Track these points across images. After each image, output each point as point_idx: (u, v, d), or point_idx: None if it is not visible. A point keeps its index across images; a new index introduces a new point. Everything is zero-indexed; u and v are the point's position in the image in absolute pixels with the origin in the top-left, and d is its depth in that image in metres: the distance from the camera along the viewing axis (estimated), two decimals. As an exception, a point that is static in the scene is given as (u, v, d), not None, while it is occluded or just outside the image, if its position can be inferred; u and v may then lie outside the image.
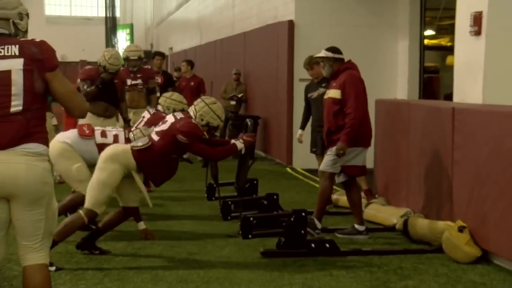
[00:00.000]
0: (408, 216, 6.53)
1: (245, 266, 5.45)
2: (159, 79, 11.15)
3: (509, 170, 5.02)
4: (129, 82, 9.66)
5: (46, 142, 3.23)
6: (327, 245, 5.71)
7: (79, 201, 5.88)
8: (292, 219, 5.76)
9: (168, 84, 11.34)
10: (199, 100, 6.23)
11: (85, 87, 8.22)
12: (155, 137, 5.78)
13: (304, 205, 7.28)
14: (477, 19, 6.36)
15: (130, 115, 9.32)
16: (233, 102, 13.10)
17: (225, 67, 15.32)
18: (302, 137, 8.56)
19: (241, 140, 6.06)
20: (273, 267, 5.36)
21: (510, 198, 5.02)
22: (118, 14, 33.79)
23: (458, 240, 5.45)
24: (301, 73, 10.01)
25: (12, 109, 3.04)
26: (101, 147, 6.01)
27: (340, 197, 7.76)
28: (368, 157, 7.18)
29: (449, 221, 5.81)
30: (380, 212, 7.22)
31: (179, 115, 6.03)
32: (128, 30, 32.60)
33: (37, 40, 3.20)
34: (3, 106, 3.04)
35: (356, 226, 6.47)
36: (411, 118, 7.41)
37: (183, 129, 5.70)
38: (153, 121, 6.57)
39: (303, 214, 5.80)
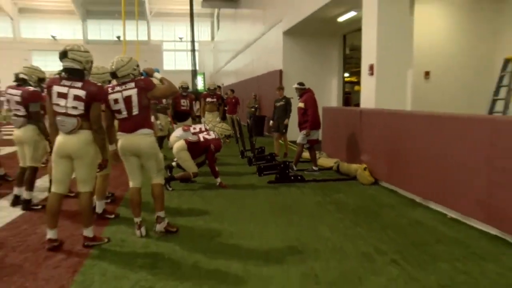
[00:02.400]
0: (338, 163, 8.05)
1: (260, 187, 6.86)
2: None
3: (389, 140, 6.63)
4: (209, 100, 10.96)
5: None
6: (299, 177, 7.29)
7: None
8: (282, 165, 7.30)
9: (221, 100, 12.24)
10: (217, 128, 7.27)
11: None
12: (201, 139, 6.84)
13: (289, 158, 8.77)
14: (371, 67, 7.67)
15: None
16: (253, 109, 15.48)
17: (249, 92, 17.77)
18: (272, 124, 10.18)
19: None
20: (273, 188, 6.77)
21: (387, 152, 6.62)
22: (197, 67, 36.48)
23: (363, 173, 7.10)
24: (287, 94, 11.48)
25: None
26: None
27: (321, 159, 8.71)
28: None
29: (359, 164, 7.38)
30: (324, 161, 8.64)
31: (215, 135, 7.00)
32: (203, 76, 38.62)
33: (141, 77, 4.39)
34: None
35: (313, 167, 8.09)
36: (340, 116, 8.79)
37: (215, 144, 6.82)
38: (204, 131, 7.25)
39: (287, 163, 7.35)
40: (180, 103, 9.72)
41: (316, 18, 11.00)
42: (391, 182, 6.66)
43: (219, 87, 15.57)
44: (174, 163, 7.42)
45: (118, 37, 40.25)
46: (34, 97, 5.51)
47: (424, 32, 9.11)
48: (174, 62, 43.71)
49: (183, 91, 9.88)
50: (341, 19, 10.91)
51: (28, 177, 5.56)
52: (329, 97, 13.60)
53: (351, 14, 10.32)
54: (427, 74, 9.43)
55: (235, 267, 3.69)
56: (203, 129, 7.38)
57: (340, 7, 9.87)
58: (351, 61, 14.29)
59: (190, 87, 15.00)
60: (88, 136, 4.01)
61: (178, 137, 7.43)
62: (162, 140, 9.58)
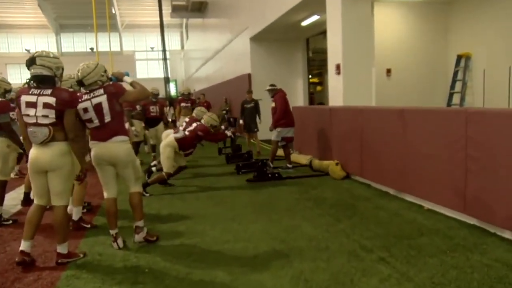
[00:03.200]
0: (311, 159, 7.68)
1: (239, 187, 6.41)
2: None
3: (359, 135, 6.28)
4: (183, 104, 10.43)
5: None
6: (277, 175, 6.89)
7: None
8: (260, 164, 6.92)
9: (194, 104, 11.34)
10: (205, 116, 6.84)
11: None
12: (187, 133, 6.47)
13: (264, 156, 8.34)
14: (338, 66, 7.39)
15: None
16: (224, 112, 14.21)
17: (220, 96, 16.77)
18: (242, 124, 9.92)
19: (229, 131, 6.98)
20: (252, 187, 6.35)
21: (358, 147, 6.29)
22: (169, 74, 36.07)
23: (335, 169, 6.75)
24: (255, 96, 11.26)
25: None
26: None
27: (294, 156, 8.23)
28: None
29: (331, 160, 7.05)
30: (298, 157, 8.29)
31: (199, 123, 6.67)
32: (175, 82, 36.98)
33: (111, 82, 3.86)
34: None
35: (288, 165, 7.68)
36: (310, 114, 8.43)
37: (201, 129, 6.48)
38: (190, 122, 6.91)
39: (264, 161, 6.95)
40: (150, 109, 9.20)
41: (281, 24, 10.64)
42: (363, 176, 6.32)
43: (203, 94, 15.23)
44: (153, 168, 6.91)
45: (92, 49, 38.81)
46: (1, 108, 4.84)
47: (383, 32, 8.90)
48: (147, 71, 42.49)
49: (153, 97, 9.32)
50: (304, 23, 10.57)
51: None
52: (296, 97, 13.21)
53: (314, 18, 10.00)
54: (388, 71, 9.22)
55: (221, 275, 3.21)
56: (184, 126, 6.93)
57: (304, 12, 9.53)
58: (314, 63, 14.03)
59: (164, 93, 14.43)
60: (62, 147, 3.46)
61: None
62: (138, 146, 9.02)
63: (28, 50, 38.84)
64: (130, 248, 3.94)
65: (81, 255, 3.71)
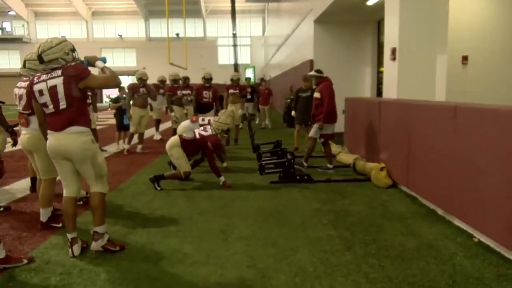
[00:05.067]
0: (355, 160, 6.60)
1: (259, 187, 5.62)
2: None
3: (406, 136, 5.10)
4: (231, 91, 9.84)
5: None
6: (306, 177, 5.93)
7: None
8: (286, 164, 5.99)
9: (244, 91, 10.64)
10: (213, 121, 6.07)
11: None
12: (197, 135, 5.76)
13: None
14: (393, 51, 6.19)
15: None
16: (288, 100, 13.13)
17: (287, 83, 15.95)
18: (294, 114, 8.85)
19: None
20: (273, 189, 5.50)
21: (408, 151, 5.12)
22: (240, 60, 37.23)
23: (379, 175, 5.62)
24: None
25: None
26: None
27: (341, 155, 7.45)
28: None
29: (376, 163, 5.91)
30: (344, 156, 7.26)
31: (212, 130, 5.87)
32: (253, 69, 38.98)
33: (73, 63, 3.24)
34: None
35: (328, 165, 6.68)
36: (360, 107, 7.26)
37: (213, 141, 5.66)
38: (207, 124, 6.33)
39: (292, 160, 6.00)
40: (202, 94, 8.68)
41: (344, 2, 9.38)
42: (410, 186, 5.12)
43: (262, 80, 14.43)
44: None
45: (177, 34, 40.01)
46: None
47: (461, 10, 7.32)
48: (228, 57, 42.84)
49: (206, 82, 8.78)
50: (369, 2, 9.21)
51: None
52: (362, 87, 11.86)
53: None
54: (465, 59, 7.60)
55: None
56: (212, 121, 6.33)
57: (366, -12, 8.26)
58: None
59: (242, 79, 13.86)
60: None
61: (184, 128, 6.45)
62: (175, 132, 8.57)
63: (120, 35, 41.28)
64: (87, 256, 3.37)
65: (25, 261, 3.21)
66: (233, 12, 18.60)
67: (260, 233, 3.87)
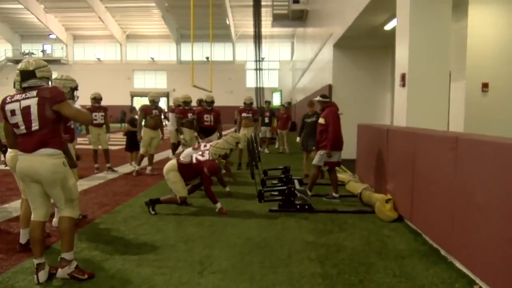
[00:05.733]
0: (363, 190, 6.19)
1: (255, 216, 5.36)
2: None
3: (410, 166, 4.76)
4: (244, 114, 9.66)
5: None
6: (306, 207, 5.64)
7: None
8: (286, 191, 5.72)
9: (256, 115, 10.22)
10: (211, 147, 5.88)
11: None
12: (195, 161, 5.65)
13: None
14: (403, 76, 5.85)
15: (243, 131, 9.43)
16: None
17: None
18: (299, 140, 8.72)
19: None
20: (268, 218, 5.23)
21: (408, 181, 4.78)
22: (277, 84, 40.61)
23: (383, 207, 5.25)
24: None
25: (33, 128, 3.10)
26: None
27: (350, 184, 7.06)
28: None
29: (383, 195, 5.56)
30: (354, 185, 6.89)
31: (211, 158, 5.71)
32: (280, 92, 39.33)
33: (49, 86, 3.25)
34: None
35: (334, 194, 6.37)
36: (370, 135, 6.90)
37: (209, 167, 5.51)
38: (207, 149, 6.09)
39: (292, 189, 5.73)
40: (204, 118, 8.57)
41: (361, 27, 9.20)
42: (414, 221, 4.74)
43: (283, 105, 14.33)
44: None
45: (207, 58, 40.85)
46: None
47: (481, 36, 6.97)
48: (256, 80, 43.28)
49: (207, 106, 8.71)
50: (387, 27, 8.99)
51: None
52: (382, 113, 11.52)
53: (396, 21, 8.37)
54: (485, 86, 7.19)
55: None
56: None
57: (381, 13, 8.04)
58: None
59: (256, 104, 13.77)
60: None
61: (185, 154, 6.31)
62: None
63: (152, 58, 42.48)
64: (53, 284, 3.22)
65: (-14, 286, 3.11)
66: (257, 37, 18.71)
67: (239, 266, 3.62)
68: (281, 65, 42.24)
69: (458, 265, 3.61)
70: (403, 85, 5.84)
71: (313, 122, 7.88)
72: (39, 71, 3.23)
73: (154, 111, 8.45)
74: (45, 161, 3.12)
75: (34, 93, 3.13)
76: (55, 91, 3.19)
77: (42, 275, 3.23)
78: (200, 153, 5.86)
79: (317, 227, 4.87)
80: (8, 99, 3.22)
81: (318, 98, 6.50)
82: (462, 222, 3.49)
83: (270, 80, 42.35)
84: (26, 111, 3.10)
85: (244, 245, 4.19)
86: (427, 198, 4.31)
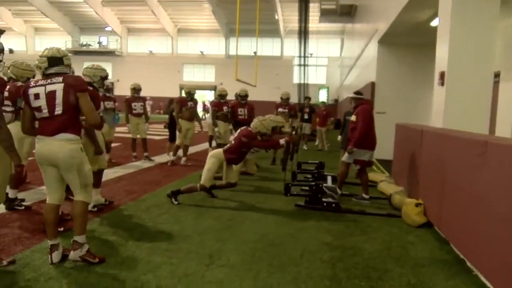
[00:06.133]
0: (396, 193, 5.88)
1: (279, 211, 5.21)
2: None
3: (440, 170, 4.48)
4: (280, 110, 9.52)
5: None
6: (333, 205, 5.48)
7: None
8: (314, 187, 5.59)
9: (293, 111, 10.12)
10: (255, 120, 5.94)
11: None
12: (233, 142, 5.82)
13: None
14: (442, 75, 5.51)
15: None
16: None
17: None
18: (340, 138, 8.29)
19: (283, 139, 5.83)
20: (291, 215, 5.10)
21: (438, 185, 4.51)
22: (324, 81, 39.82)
23: (410, 211, 5.00)
24: (377, 108, 10.74)
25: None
26: None
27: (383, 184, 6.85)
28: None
29: (414, 199, 5.30)
30: (386, 186, 6.64)
31: (244, 128, 5.85)
32: (327, 89, 37.99)
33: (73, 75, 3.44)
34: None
35: (364, 195, 6.16)
36: (406, 135, 6.56)
37: (244, 134, 5.65)
38: None
39: (321, 186, 5.59)
40: (238, 111, 8.57)
41: (405, 22, 8.78)
42: (442, 228, 4.46)
43: (323, 102, 14.04)
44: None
45: (255, 52, 41.00)
46: (16, 93, 4.69)
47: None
48: (299, 76, 42.88)
49: (241, 100, 8.70)
50: (434, 23, 8.51)
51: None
52: (426, 113, 10.87)
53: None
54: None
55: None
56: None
57: (424, 10, 7.62)
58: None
59: (296, 99, 13.60)
60: None
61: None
62: (219, 148, 8.52)
63: (201, 52, 43.19)
64: (65, 265, 3.33)
65: (5, 263, 3.25)
66: (302, 33, 18.53)
67: (248, 262, 3.57)
68: (329, 62, 41.46)
69: (482, 279, 3.35)
70: (442, 84, 5.50)
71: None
72: (66, 59, 3.39)
73: (189, 103, 8.56)
74: (64, 145, 3.22)
75: (60, 79, 3.25)
76: (80, 80, 3.35)
77: (56, 256, 3.35)
78: (236, 134, 5.96)
79: (338, 228, 4.71)
80: (32, 83, 3.33)
81: (352, 94, 6.30)
82: (489, 233, 3.23)
83: (317, 77, 41.80)
84: (51, 95, 3.21)
85: (258, 241, 4.13)
86: (455, 204, 4.03)
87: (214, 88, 40.36)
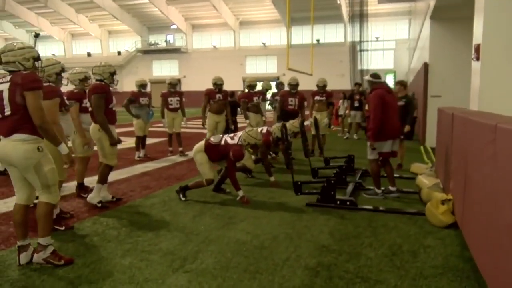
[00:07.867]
0: (428, 187, 5.18)
1: (288, 209, 4.83)
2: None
3: (464, 160, 3.78)
4: (317, 98, 9.01)
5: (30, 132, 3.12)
6: (348, 203, 4.95)
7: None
8: (325, 184, 5.07)
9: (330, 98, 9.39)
10: (244, 132, 5.48)
11: None
12: (222, 142, 5.38)
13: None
14: (477, 48, 4.76)
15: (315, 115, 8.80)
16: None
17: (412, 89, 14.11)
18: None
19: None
20: (302, 212, 4.67)
21: (463, 182, 3.83)
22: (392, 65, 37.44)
23: (435, 209, 4.33)
24: (432, 91, 10.33)
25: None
26: None
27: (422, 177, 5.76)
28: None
29: (444, 194, 4.60)
30: (424, 179, 5.66)
31: (238, 141, 5.35)
32: (393, 74, 35.25)
33: (24, 72, 3.13)
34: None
35: (390, 187, 5.58)
36: (446, 120, 5.72)
37: (234, 152, 5.20)
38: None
39: (332, 181, 5.07)
40: (288, 101, 8.20)
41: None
42: (465, 230, 3.73)
43: (358, 84, 12.96)
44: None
45: (318, 40, 40.02)
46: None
47: None
48: (370, 61, 40.84)
49: (291, 88, 8.30)
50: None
51: None
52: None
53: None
54: None
55: None
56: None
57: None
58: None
59: (351, 86, 12.92)
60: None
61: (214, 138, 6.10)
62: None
63: (264, 43, 43.02)
64: (30, 267, 3.26)
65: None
66: (354, 17, 17.66)
67: (220, 268, 3.23)
68: (397, 45, 39.16)
69: (496, 296, 2.71)
70: (477, 59, 4.68)
71: (402, 106, 6.85)
72: (3, 56, 3.18)
73: (217, 95, 8.25)
74: (18, 146, 3.10)
75: (8, 78, 3.13)
76: (28, 78, 3.09)
77: (24, 257, 3.29)
78: (232, 135, 5.56)
79: (345, 228, 4.19)
80: None
81: (367, 77, 5.60)
82: (499, 236, 2.59)
83: (384, 61, 39.79)
84: (0, 96, 3.12)
85: (246, 243, 3.77)
86: (476, 201, 3.35)
87: (277, 79, 40.09)
